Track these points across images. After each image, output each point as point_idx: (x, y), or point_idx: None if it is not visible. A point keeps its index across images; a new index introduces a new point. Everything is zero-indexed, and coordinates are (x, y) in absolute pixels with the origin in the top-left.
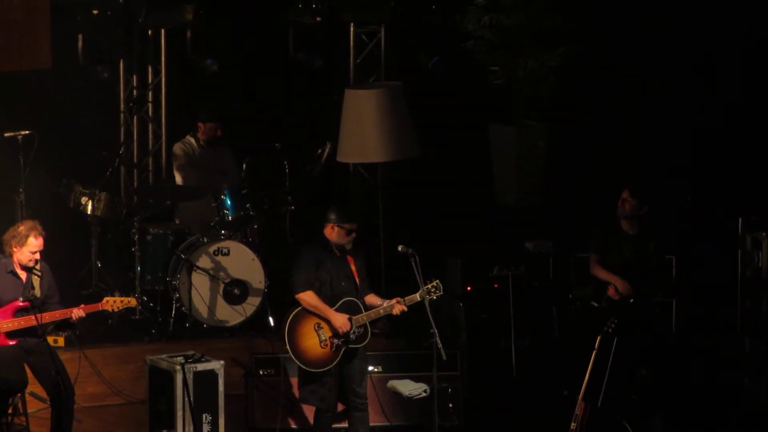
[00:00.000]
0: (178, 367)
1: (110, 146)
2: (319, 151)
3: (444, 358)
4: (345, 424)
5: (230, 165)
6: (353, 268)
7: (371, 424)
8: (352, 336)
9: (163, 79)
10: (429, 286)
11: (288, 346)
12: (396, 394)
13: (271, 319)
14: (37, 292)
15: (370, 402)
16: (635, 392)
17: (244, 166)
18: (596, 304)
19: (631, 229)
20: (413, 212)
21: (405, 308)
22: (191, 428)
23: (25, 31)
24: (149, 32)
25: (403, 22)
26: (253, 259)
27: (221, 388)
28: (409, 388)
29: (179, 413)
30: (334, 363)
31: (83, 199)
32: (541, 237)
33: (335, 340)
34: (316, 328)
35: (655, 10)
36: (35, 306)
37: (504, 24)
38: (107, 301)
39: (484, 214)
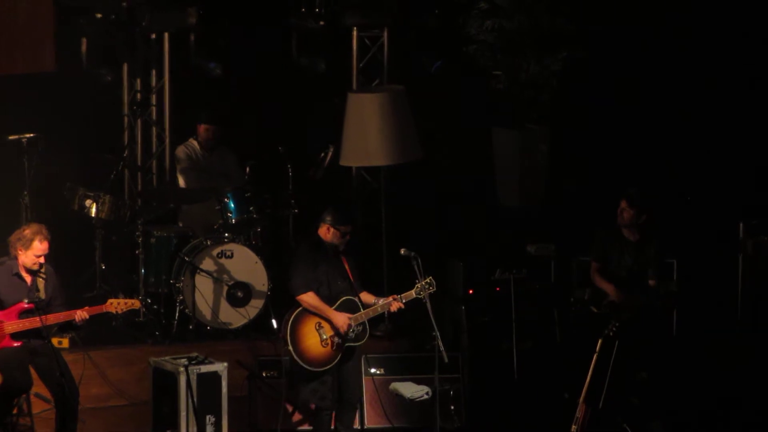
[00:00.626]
0: (182, 369)
1: (114, 149)
2: (322, 154)
3: (446, 360)
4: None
5: (233, 168)
6: (347, 267)
7: (373, 425)
8: (351, 334)
9: (167, 82)
10: (423, 282)
11: (290, 347)
12: (398, 396)
13: (274, 322)
14: (42, 294)
15: (372, 405)
16: (636, 395)
17: (247, 169)
18: (596, 310)
19: (631, 235)
20: (415, 215)
21: (402, 305)
22: (195, 429)
23: (29, 34)
24: (152, 36)
25: (405, 26)
26: (256, 262)
27: (224, 389)
28: (411, 390)
29: (183, 414)
30: (335, 362)
31: (87, 202)
32: (542, 240)
33: (336, 339)
34: (317, 328)
35: (656, 12)
36: (40, 308)
37: (506, 28)
38: (111, 303)
39: (485, 217)
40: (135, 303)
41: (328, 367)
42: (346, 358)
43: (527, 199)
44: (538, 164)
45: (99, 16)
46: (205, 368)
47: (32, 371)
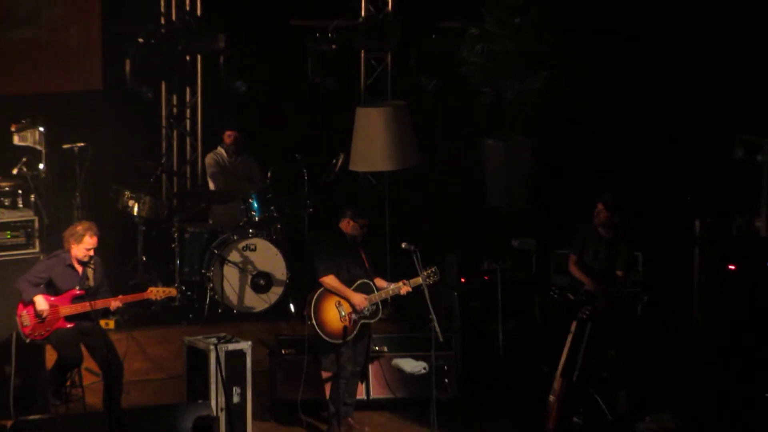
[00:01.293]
0: (212, 347)
1: (153, 156)
2: (334, 161)
3: (441, 339)
4: None
5: (256, 173)
6: (363, 256)
7: (377, 396)
8: (366, 312)
9: (199, 98)
10: (429, 271)
11: (314, 321)
12: (399, 371)
13: (292, 306)
14: (91, 282)
15: (377, 378)
16: (605, 370)
17: (268, 174)
18: (572, 297)
19: (606, 233)
20: (415, 214)
21: (410, 289)
22: (223, 399)
23: (81, 56)
24: (187, 58)
25: (407, 50)
26: (276, 254)
27: (249, 364)
28: (411, 365)
29: (213, 386)
30: (352, 336)
31: (130, 202)
32: (525, 236)
33: (353, 316)
34: (337, 306)
35: (629, 37)
36: (89, 294)
37: (494, 51)
38: (151, 291)
39: (476, 216)
40: (171, 290)
41: (346, 339)
42: (359, 335)
43: (512, 201)
44: (522, 170)
45: (141, 40)
46: (232, 346)
47: (83, 349)
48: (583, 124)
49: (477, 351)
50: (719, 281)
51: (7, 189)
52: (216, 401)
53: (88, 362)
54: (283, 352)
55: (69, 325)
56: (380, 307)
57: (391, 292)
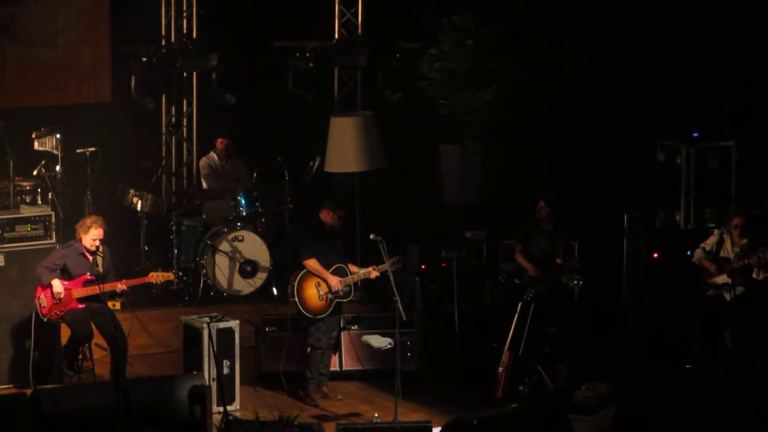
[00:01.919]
0: (205, 325)
1: (155, 159)
2: (311, 163)
3: (404, 319)
4: None
5: (244, 174)
6: (338, 243)
7: (349, 368)
8: (341, 292)
9: (194, 109)
10: (393, 259)
11: (296, 298)
12: (368, 346)
13: (274, 290)
14: (100, 268)
15: (348, 352)
16: (547, 345)
17: (254, 174)
18: (518, 281)
19: (547, 226)
20: (382, 209)
21: (378, 273)
22: (215, 370)
23: (92, 72)
24: (184, 74)
25: (374, 68)
26: (261, 244)
27: (237, 340)
28: (378, 341)
29: (206, 359)
30: (327, 312)
31: (134, 199)
32: (477, 228)
33: (329, 295)
34: (317, 286)
35: (565, 56)
36: (98, 279)
37: (449, 68)
38: (152, 276)
39: (434, 211)
40: (170, 276)
41: (322, 316)
42: (333, 312)
43: (465, 197)
44: (473, 171)
45: (144, 59)
46: (222, 325)
47: (93, 326)
48: (526, 131)
49: (436, 329)
50: (644, 268)
51: (28, 188)
52: (208, 372)
53: (98, 338)
54: (267, 329)
55: (81, 306)
56: (352, 288)
57: (362, 275)
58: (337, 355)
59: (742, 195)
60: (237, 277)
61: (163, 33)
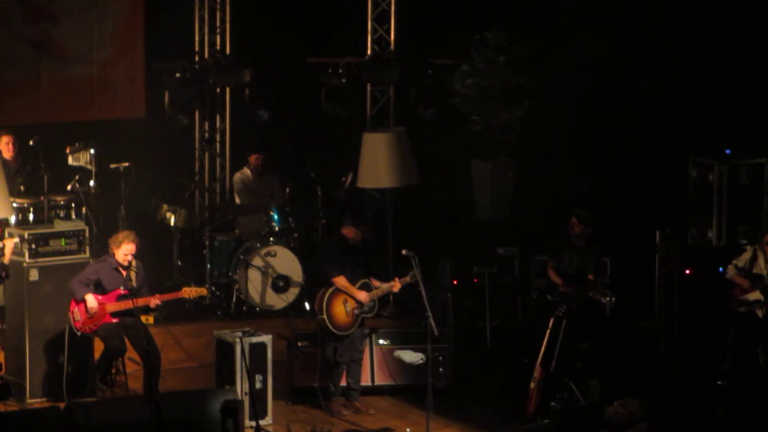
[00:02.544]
0: (238, 340)
1: (188, 175)
2: (344, 179)
3: (436, 334)
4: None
5: (276, 189)
6: (360, 259)
7: (381, 383)
8: (366, 308)
9: (228, 125)
10: (412, 273)
11: (324, 315)
12: (400, 361)
13: (306, 305)
14: (134, 283)
15: (380, 367)
16: (579, 361)
17: (287, 190)
18: (550, 297)
19: (579, 242)
20: (414, 225)
21: (400, 286)
22: (247, 385)
23: (126, 89)
24: (217, 90)
25: (406, 84)
26: (294, 260)
27: (270, 355)
28: (410, 356)
29: (238, 374)
30: (353, 329)
31: (168, 214)
32: (509, 244)
33: (356, 311)
34: (344, 303)
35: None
36: (132, 293)
37: (482, 85)
38: (185, 291)
39: (466, 226)
40: (203, 290)
41: (349, 332)
42: (358, 327)
43: (497, 213)
44: (505, 187)
45: (178, 75)
46: (255, 339)
47: (126, 341)
48: (559, 147)
49: (467, 344)
50: (677, 284)
51: (62, 203)
52: (241, 387)
53: (131, 352)
54: (299, 344)
55: (114, 320)
56: (376, 303)
57: (385, 289)
58: (369, 370)
59: None
60: (269, 292)
61: (197, 49)
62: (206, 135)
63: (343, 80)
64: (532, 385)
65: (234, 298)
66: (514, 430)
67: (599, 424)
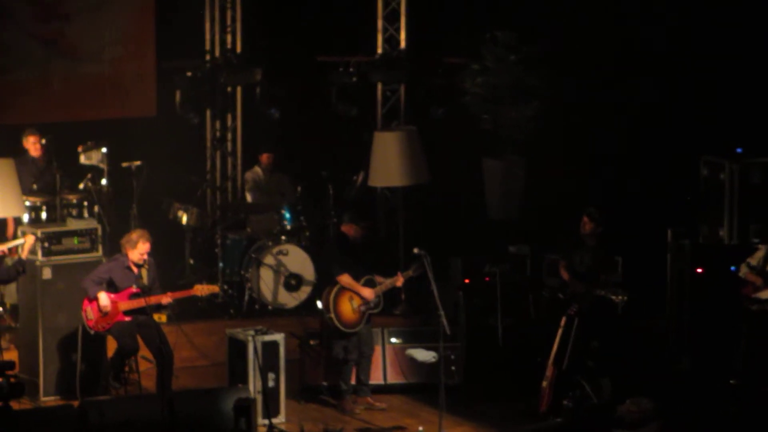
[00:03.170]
0: (250, 338)
1: (199, 173)
2: (355, 177)
3: (448, 332)
4: None
5: (288, 188)
6: (362, 256)
7: (393, 381)
8: (372, 304)
9: (239, 123)
10: (415, 266)
11: (332, 314)
12: (412, 360)
13: (318, 303)
14: (146, 281)
15: (392, 366)
16: (591, 359)
17: (298, 188)
18: (561, 296)
19: (590, 241)
20: (425, 223)
21: (404, 280)
22: (259, 384)
23: (137, 88)
24: (228, 89)
25: (417, 82)
26: (306, 258)
27: (282, 353)
28: (422, 355)
29: (251, 372)
30: (360, 326)
31: (179, 213)
32: (520, 243)
33: (362, 308)
34: (350, 300)
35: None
36: (144, 292)
37: (492, 83)
38: (197, 289)
39: (477, 225)
40: (215, 288)
41: (357, 329)
42: (365, 324)
43: (508, 212)
44: (516, 186)
45: (189, 74)
46: (267, 337)
47: (139, 339)
48: (569, 146)
49: (479, 343)
50: (688, 283)
51: (74, 201)
52: (253, 385)
53: (143, 351)
54: (311, 342)
55: (127, 319)
56: (381, 299)
57: (389, 284)
58: (381, 368)
59: None
60: (282, 290)
61: (208, 48)
62: (217, 134)
63: (354, 79)
64: (544, 383)
65: (246, 297)
66: (526, 429)
67: (611, 423)
